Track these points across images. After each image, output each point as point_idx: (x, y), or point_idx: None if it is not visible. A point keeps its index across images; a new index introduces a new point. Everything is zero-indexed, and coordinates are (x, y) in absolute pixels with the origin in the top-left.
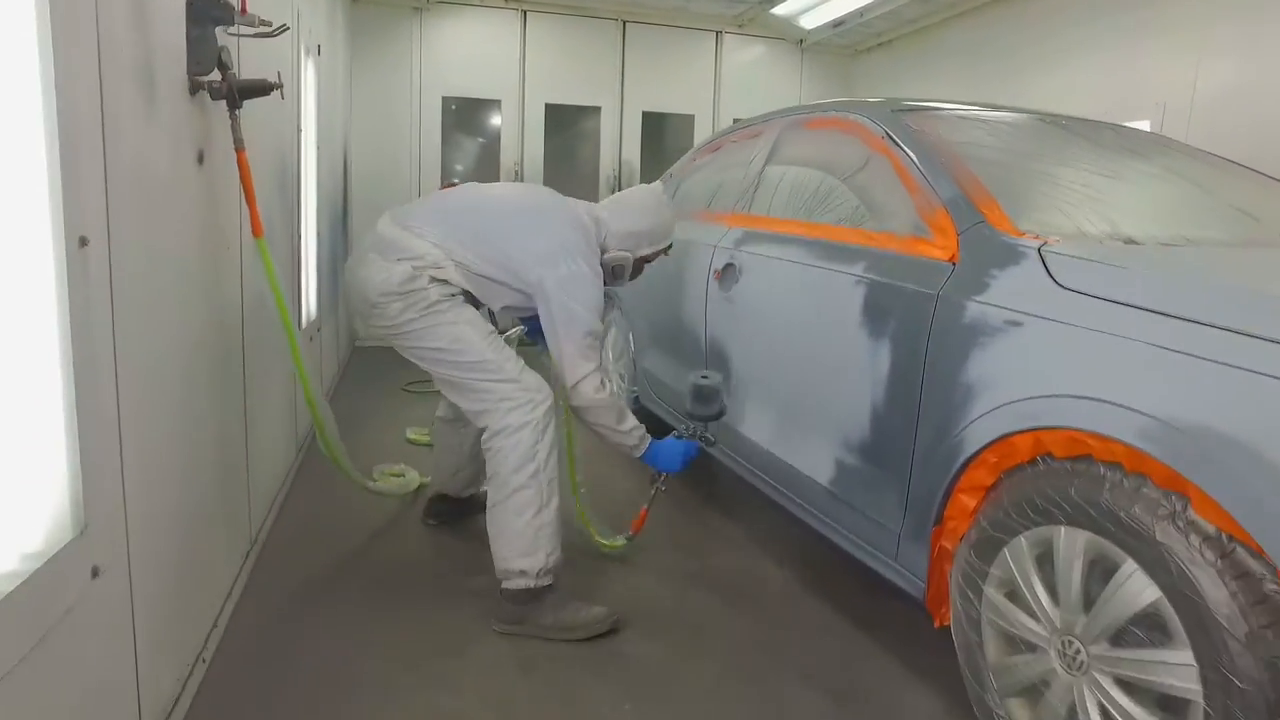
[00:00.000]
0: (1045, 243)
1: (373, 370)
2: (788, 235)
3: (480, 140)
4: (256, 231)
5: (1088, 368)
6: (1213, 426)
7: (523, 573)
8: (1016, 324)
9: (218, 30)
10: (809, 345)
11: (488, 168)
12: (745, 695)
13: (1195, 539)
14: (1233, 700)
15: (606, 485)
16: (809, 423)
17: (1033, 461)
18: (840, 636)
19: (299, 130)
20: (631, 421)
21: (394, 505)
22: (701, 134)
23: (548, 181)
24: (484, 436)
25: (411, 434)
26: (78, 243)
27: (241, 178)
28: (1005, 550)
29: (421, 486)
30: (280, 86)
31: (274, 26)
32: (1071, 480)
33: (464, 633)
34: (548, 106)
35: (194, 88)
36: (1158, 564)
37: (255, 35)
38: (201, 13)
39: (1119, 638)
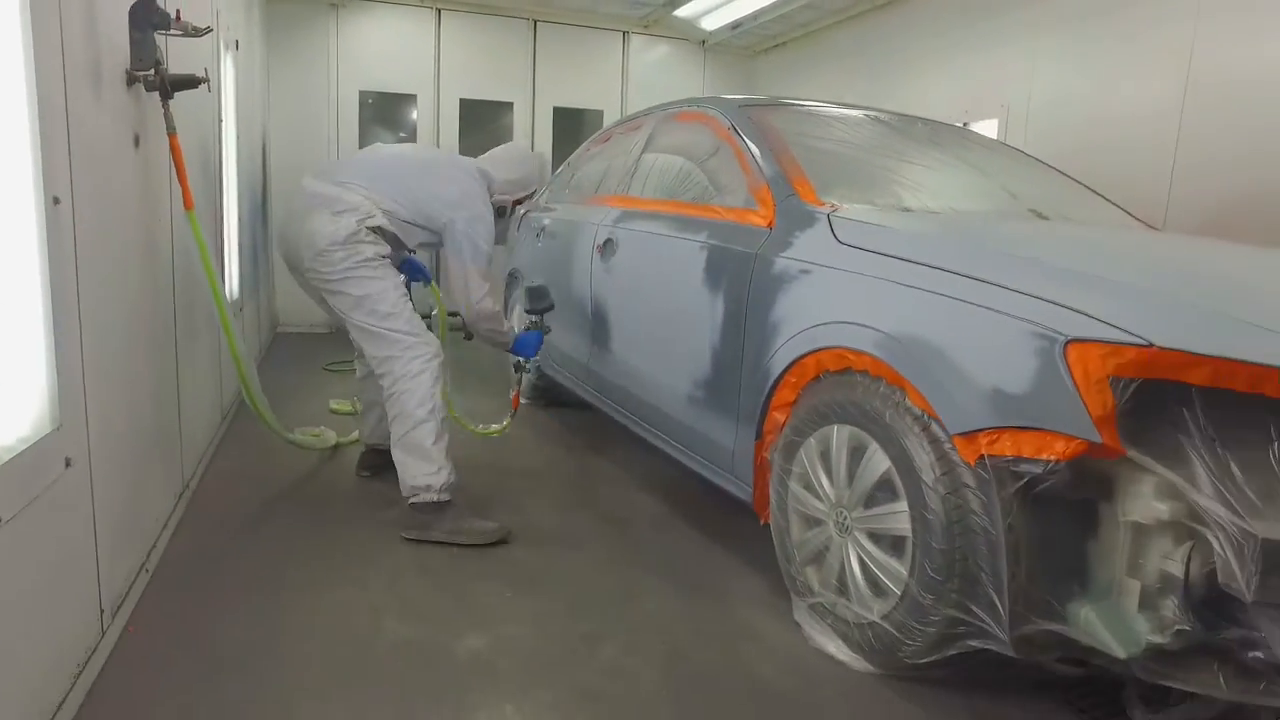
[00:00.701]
0: (834, 209)
1: (294, 353)
2: (654, 213)
3: (400, 134)
4: (188, 204)
5: (850, 300)
6: (917, 335)
7: (427, 488)
8: (807, 272)
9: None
10: (666, 302)
11: None
12: (606, 586)
13: (909, 419)
14: (927, 529)
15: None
16: (666, 367)
17: (817, 378)
18: (696, 546)
19: (219, 121)
20: (508, 324)
21: (314, 460)
22: None
23: None
24: (387, 383)
25: (334, 404)
26: (53, 201)
27: (174, 158)
28: (801, 450)
29: (339, 445)
30: (207, 80)
31: (201, 29)
32: (839, 388)
33: (375, 548)
34: (462, 101)
35: (130, 80)
36: (888, 441)
37: (184, 36)
38: (142, 19)
39: (869, 501)
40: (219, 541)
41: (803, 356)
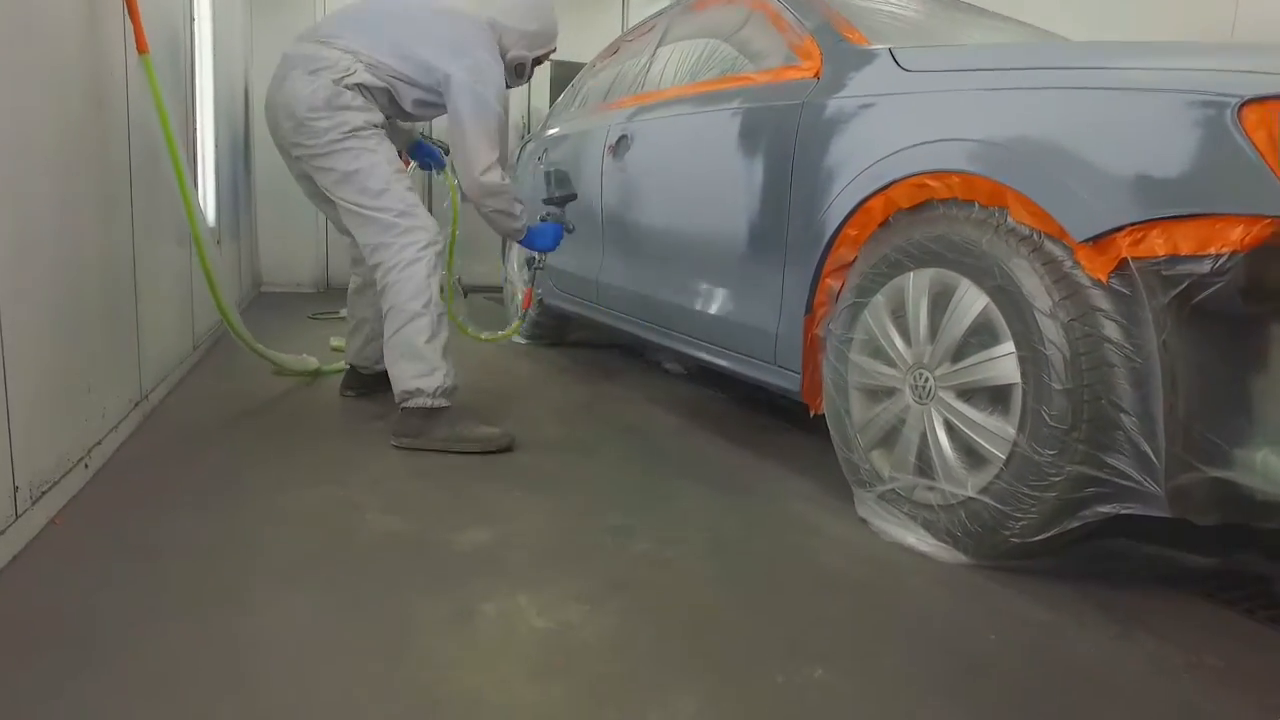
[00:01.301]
0: (893, 45)
1: (278, 308)
2: (674, 99)
3: None
4: (141, 47)
5: (926, 121)
6: (1025, 136)
7: (419, 391)
8: (869, 105)
9: None
10: (691, 185)
11: None
12: (631, 486)
13: (1013, 240)
14: (1044, 368)
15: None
16: (695, 256)
17: (884, 224)
18: (726, 452)
19: (191, 20)
20: (520, 207)
21: (291, 385)
22: None
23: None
24: (379, 274)
25: (335, 342)
26: None
27: None
28: (865, 312)
29: (320, 372)
30: None
31: None
32: (916, 226)
33: (358, 454)
34: None
35: None
36: (985, 273)
37: None
38: None
39: (959, 354)
40: (176, 448)
41: (867, 200)
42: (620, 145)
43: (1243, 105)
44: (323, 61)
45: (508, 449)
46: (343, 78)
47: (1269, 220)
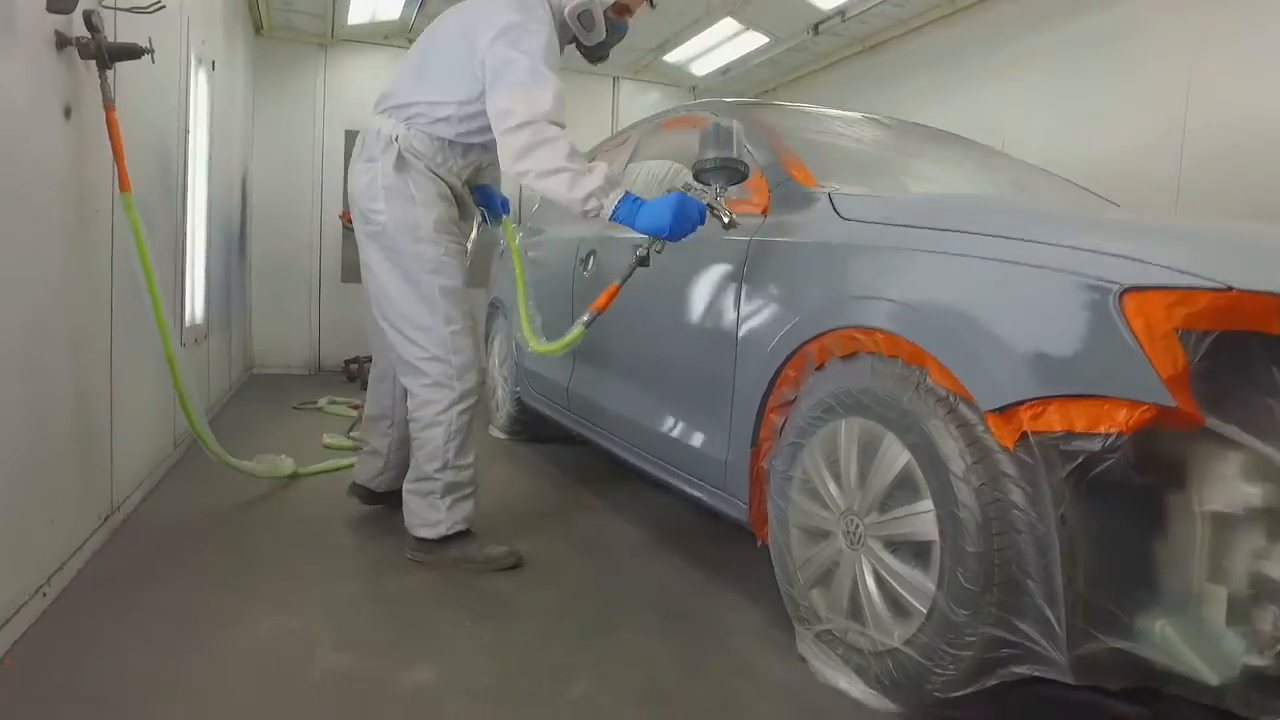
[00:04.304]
0: (834, 190)
1: (266, 393)
2: None
3: None
4: (124, 186)
5: (858, 275)
6: (938, 302)
7: (424, 538)
8: (808, 252)
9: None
10: (650, 308)
11: None
12: (581, 616)
13: (931, 401)
14: (957, 530)
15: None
16: (653, 379)
17: (820, 368)
18: (684, 575)
19: (187, 131)
20: (586, 165)
21: (270, 490)
22: None
23: None
24: (409, 407)
25: (329, 439)
26: None
27: (110, 134)
28: (803, 453)
29: (296, 475)
30: (151, 52)
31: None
32: (847, 375)
33: (323, 576)
34: None
35: (60, 42)
36: (907, 429)
37: (131, 9)
38: None
39: (885, 504)
40: (142, 570)
41: (804, 345)
42: (590, 260)
43: (1124, 292)
44: (373, 143)
45: (515, 567)
46: (396, 155)
47: (1148, 407)
